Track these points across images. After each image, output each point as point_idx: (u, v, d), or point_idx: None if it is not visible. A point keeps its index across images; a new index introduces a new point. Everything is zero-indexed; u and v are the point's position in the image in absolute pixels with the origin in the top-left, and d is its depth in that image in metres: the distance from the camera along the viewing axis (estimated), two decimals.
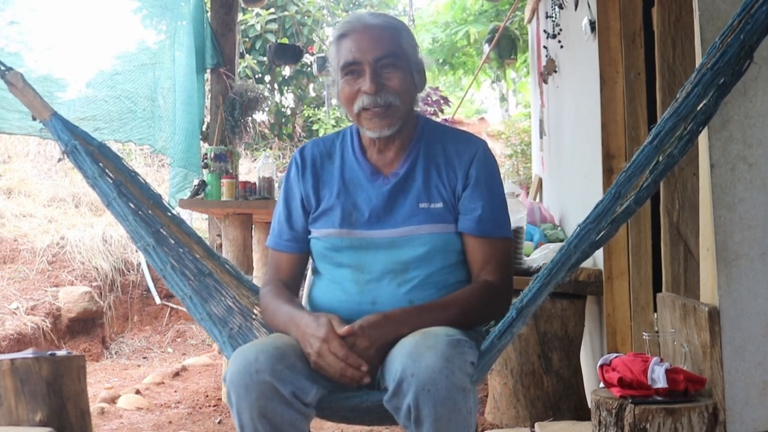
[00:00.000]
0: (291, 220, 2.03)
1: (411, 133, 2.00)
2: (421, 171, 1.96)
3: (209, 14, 5.64)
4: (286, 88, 11.58)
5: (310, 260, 2.09)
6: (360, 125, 1.96)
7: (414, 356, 1.61)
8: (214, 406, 4.47)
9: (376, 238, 1.93)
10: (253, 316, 2.16)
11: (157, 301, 6.82)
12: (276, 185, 4.57)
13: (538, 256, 4.07)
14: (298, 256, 2.05)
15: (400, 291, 1.90)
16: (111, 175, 2.09)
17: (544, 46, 5.66)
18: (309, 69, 10.81)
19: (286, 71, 11.24)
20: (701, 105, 1.68)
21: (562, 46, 4.98)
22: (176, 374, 5.47)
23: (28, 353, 3.23)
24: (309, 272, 2.13)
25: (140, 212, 2.08)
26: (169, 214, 2.17)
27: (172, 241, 2.12)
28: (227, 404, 1.71)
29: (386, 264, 1.91)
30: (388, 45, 1.93)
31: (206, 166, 4.51)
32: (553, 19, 5.04)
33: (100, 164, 2.08)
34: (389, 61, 1.91)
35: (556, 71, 5.30)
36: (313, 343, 1.72)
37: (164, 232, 2.11)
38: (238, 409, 1.65)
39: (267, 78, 11.17)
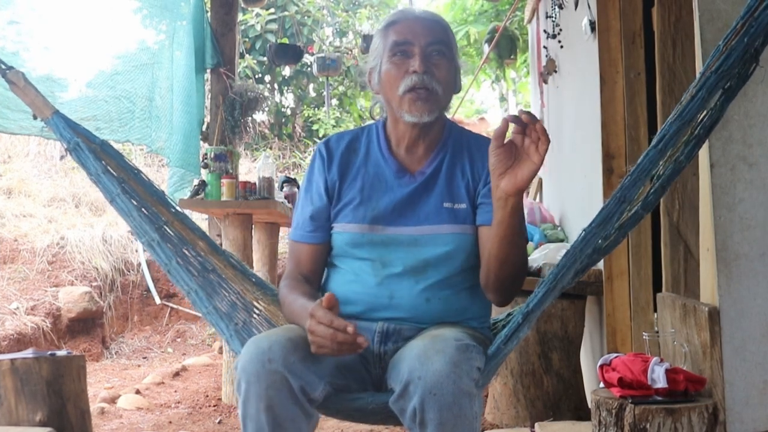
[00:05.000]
0: (313, 210, 2.00)
1: (440, 132, 2.00)
2: (447, 171, 1.96)
3: (209, 14, 5.64)
4: (286, 88, 11.58)
5: None
6: (400, 109, 1.92)
7: (422, 359, 1.61)
8: (214, 406, 4.47)
9: (398, 235, 1.92)
10: (257, 312, 2.15)
11: (157, 301, 6.82)
12: (276, 185, 4.57)
13: (538, 256, 4.07)
14: (319, 247, 2.01)
15: (417, 287, 1.89)
16: (113, 172, 2.09)
17: (544, 46, 5.66)
18: (309, 69, 10.81)
19: (286, 71, 11.24)
20: (707, 109, 1.68)
21: (562, 46, 4.98)
22: (176, 374, 5.47)
23: (28, 353, 3.23)
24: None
25: (143, 209, 2.08)
26: (173, 210, 2.16)
27: (176, 238, 2.11)
28: (236, 393, 1.68)
29: (407, 261, 1.90)
30: (439, 34, 1.93)
31: (206, 166, 4.52)
32: (553, 19, 5.04)
33: (103, 162, 2.08)
34: (439, 48, 1.91)
35: (556, 71, 5.30)
36: (307, 324, 1.69)
37: (168, 229, 2.10)
38: (245, 397, 1.64)
39: (267, 78, 11.17)
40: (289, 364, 1.64)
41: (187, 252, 2.11)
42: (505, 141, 1.65)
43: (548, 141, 1.62)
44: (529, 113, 1.63)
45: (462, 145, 2.00)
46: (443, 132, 2.01)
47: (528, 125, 1.62)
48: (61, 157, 2.21)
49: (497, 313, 2.18)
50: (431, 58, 1.90)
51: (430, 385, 1.57)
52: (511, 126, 1.65)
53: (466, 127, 2.08)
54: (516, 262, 1.80)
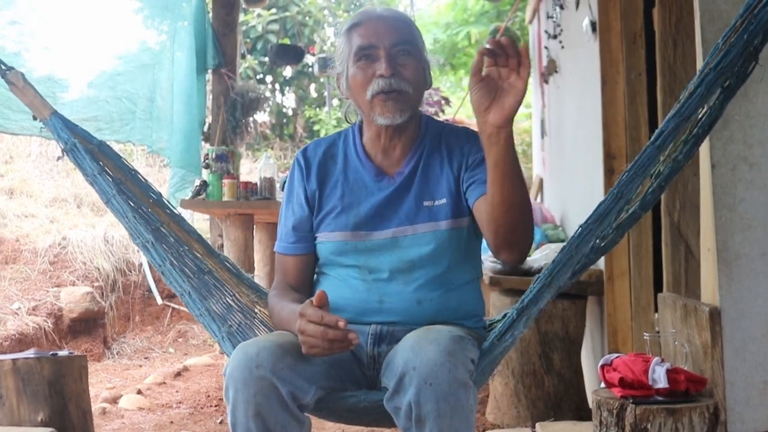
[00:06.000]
0: (295, 221, 2.00)
1: (416, 131, 1.98)
2: (425, 168, 1.94)
3: (210, 15, 5.65)
4: (287, 88, 11.59)
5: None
6: (371, 113, 1.90)
7: (416, 350, 1.59)
8: (216, 406, 4.47)
9: (381, 239, 1.91)
10: (254, 315, 2.15)
11: (159, 301, 6.82)
12: (277, 185, 4.57)
13: (539, 256, 4.07)
14: (303, 257, 2.01)
15: (407, 289, 1.88)
16: (111, 173, 2.09)
17: (545, 47, 5.67)
18: (310, 69, 10.82)
19: (288, 72, 11.24)
20: (705, 108, 1.67)
21: (563, 47, 4.99)
22: (178, 374, 5.47)
23: (29, 353, 3.23)
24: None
25: (140, 210, 2.08)
26: (169, 212, 2.16)
27: (172, 239, 2.11)
28: (225, 400, 1.67)
29: (392, 264, 1.89)
30: (404, 33, 1.91)
31: (208, 166, 4.51)
32: (554, 19, 5.04)
33: (100, 162, 2.08)
34: (404, 48, 1.89)
35: (557, 72, 5.30)
36: (297, 324, 1.67)
37: (164, 230, 2.10)
38: (234, 404, 1.62)
39: (268, 78, 11.18)
40: (278, 370, 1.62)
41: (182, 254, 2.11)
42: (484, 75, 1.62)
43: (529, 64, 1.58)
44: (498, 42, 1.59)
45: (440, 139, 1.98)
46: (419, 130, 1.98)
47: (501, 54, 1.58)
48: (58, 158, 2.21)
49: (497, 312, 2.17)
50: (397, 58, 1.88)
51: (425, 375, 1.55)
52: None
53: (467, 127, 2.07)
54: (522, 205, 1.73)
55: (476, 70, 1.61)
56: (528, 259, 4.06)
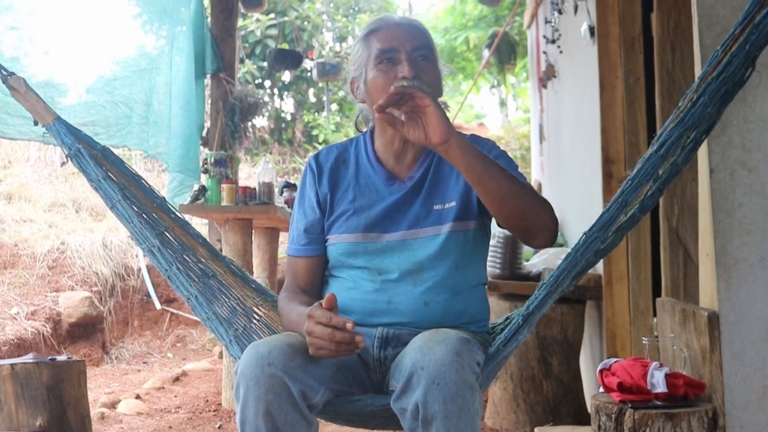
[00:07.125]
0: (306, 223, 2.02)
1: None
2: (436, 172, 1.96)
3: (209, 19, 5.66)
4: (285, 93, 11.59)
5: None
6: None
7: (424, 350, 1.61)
8: (214, 411, 4.47)
9: (391, 241, 1.93)
10: (257, 318, 2.16)
11: (158, 306, 6.81)
12: (276, 190, 4.57)
13: (538, 260, 4.07)
14: (314, 259, 2.03)
15: (416, 290, 1.90)
16: (114, 178, 2.09)
17: (544, 52, 5.67)
18: (309, 74, 10.82)
19: (286, 76, 11.24)
20: (705, 114, 1.68)
21: (561, 52, 5.00)
22: (176, 379, 5.46)
23: (28, 358, 3.23)
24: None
25: (144, 215, 2.08)
26: (173, 216, 2.17)
27: (176, 244, 2.11)
28: (234, 398, 1.68)
29: (402, 266, 1.91)
30: (422, 39, 1.94)
31: (206, 171, 4.52)
32: (553, 24, 5.05)
33: (104, 168, 2.08)
34: (424, 53, 1.92)
35: (555, 76, 5.31)
36: (305, 326, 1.68)
37: (168, 235, 2.10)
38: (244, 402, 1.63)
39: (267, 83, 11.18)
40: (289, 369, 1.63)
41: (187, 258, 2.11)
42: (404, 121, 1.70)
43: (412, 89, 1.67)
44: (386, 98, 1.67)
45: None
46: None
47: (396, 99, 1.67)
48: (62, 164, 2.20)
49: (496, 317, 2.18)
50: (417, 63, 1.90)
51: (434, 375, 1.56)
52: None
53: (474, 134, 2.08)
54: (515, 191, 1.75)
55: (394, 123, 1.71)
56: (527, 263, 4.06)
